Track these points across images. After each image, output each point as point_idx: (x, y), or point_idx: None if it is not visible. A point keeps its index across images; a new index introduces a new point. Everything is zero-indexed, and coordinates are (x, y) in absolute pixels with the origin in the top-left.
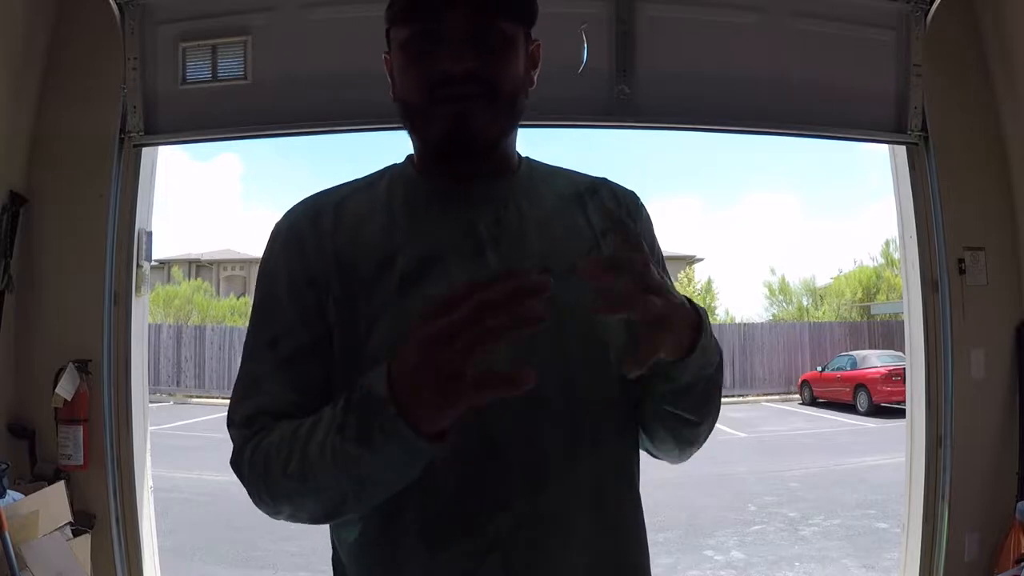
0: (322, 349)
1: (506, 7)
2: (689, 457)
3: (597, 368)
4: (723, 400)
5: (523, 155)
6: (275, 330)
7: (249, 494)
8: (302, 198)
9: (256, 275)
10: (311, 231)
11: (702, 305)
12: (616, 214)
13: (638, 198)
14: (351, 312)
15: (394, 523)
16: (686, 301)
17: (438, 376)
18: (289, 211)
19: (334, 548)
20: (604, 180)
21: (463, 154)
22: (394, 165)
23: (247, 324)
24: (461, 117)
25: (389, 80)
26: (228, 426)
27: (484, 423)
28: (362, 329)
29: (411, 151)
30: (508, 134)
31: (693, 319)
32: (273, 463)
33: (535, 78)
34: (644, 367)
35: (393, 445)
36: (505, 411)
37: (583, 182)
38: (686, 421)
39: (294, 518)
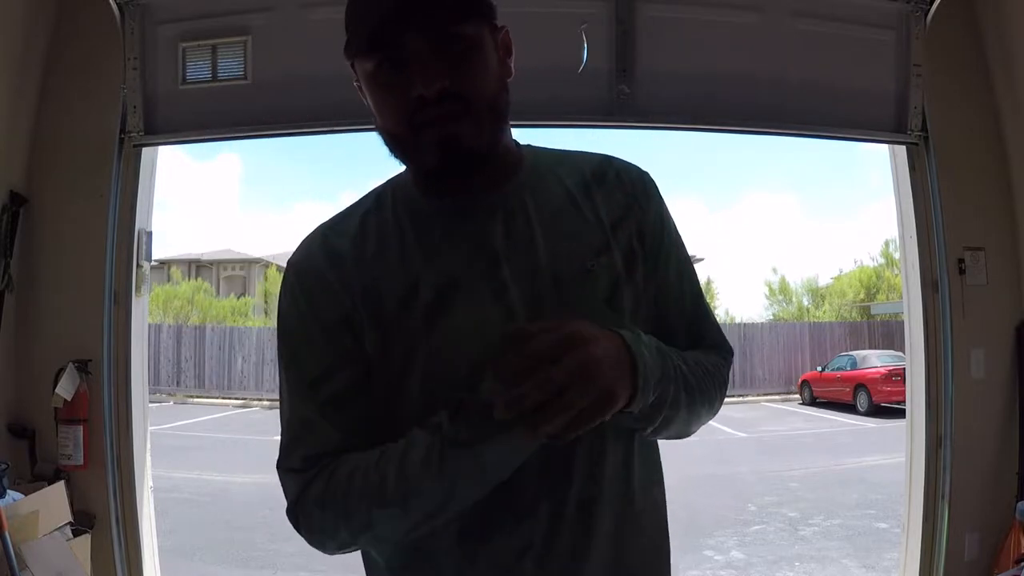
0: (364, 386)
1: (458, 12)
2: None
3: None
4: (724, 400)
5: (524, 144)
6: (316, 372)
7: (311, 538)
8: (310, 232)
9: (276, 315)
10: (333, 270)
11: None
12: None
13: (646, 179)
14: (384, 348)
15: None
16: (619, 349)
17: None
18: (302, 248)
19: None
20: (610, 161)
21: (460, 173)
22: (396, 180)
23: (278, 366)
24: (449, 139)
25: (370, 108)
26: (282, 471)
27: None
28: (397, 367)
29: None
30: (499, 138)
31: (623, 370)
32: (356, 492)
33: (512, 66)
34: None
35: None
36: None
37: (589, 166)
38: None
39: (370, 544)
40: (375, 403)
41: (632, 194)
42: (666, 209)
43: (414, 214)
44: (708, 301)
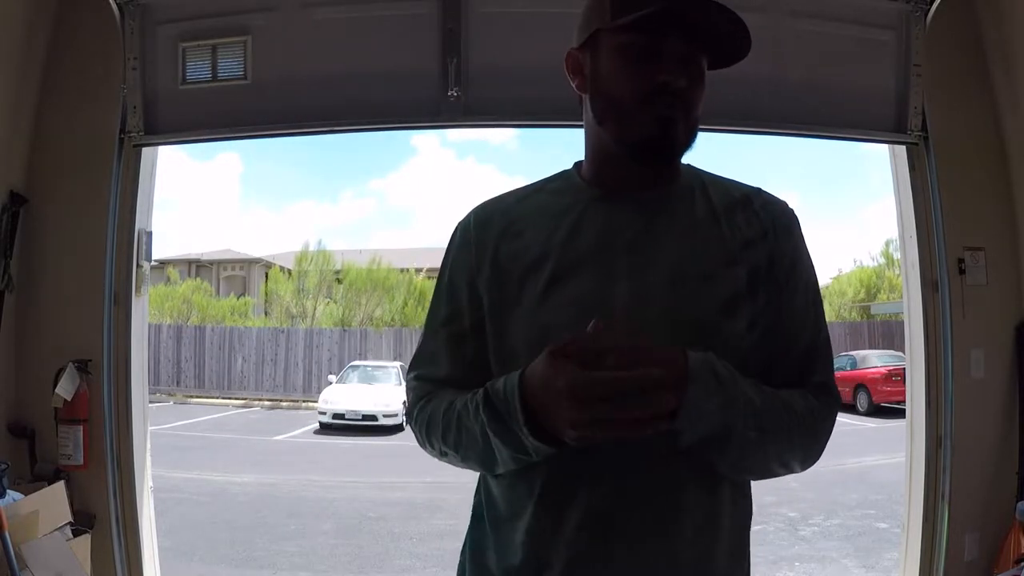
0: (480, 332)
1: (711, 45)
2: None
3: None
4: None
5: (687, 163)
6: (447, 312)
7: (417, 439)
8: (483, 200)
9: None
10: (479, 234)
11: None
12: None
13: (789, 213)
14: (501, 305)
15: (518, 486)
16: (683, 362)
17: (553, 407)
18: (469, 212)
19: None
20: (760, 191)
21: (662, 154)
22: (565, 172)
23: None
24: (669, 124)
25: (573, 76)
26: (408, 375)
27: None
28: (510, 319)
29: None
30: (690, 149)
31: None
32: (435, 429)
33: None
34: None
35: (511, 439)
36: None
37: (740, 191)
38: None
39: (453, 464)
40: (484, 350)
41: (772, 223)
42: (804, 247)
43: (571, 200)
44: (829, 349)
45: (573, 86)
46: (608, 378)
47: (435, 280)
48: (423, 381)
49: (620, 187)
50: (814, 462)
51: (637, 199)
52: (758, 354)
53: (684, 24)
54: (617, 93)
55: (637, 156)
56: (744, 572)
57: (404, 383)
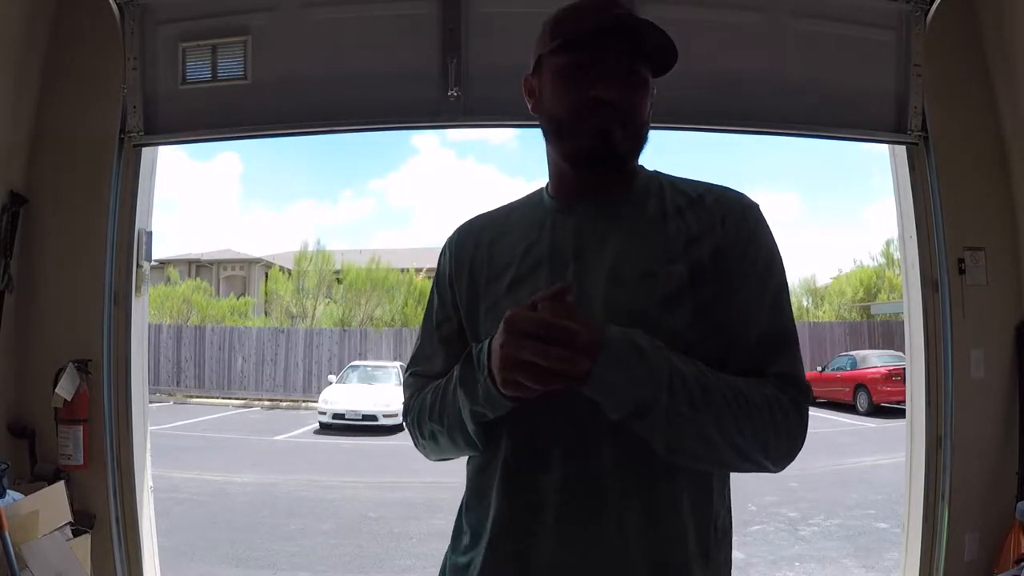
0: (464, 334)
1: (644, 56)
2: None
3: None
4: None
5: (650, 169)
6: (439, 317)
7: (411, 436)
8: (469, 217)
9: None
10: (459, 248)
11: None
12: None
13: (745, 204)
14: (473, 305)
15: (487, 469)
16: (598, 337)
17: (503, 363)
18: (455, 230)
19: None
20: (720, 189)
21: (603, 163)
22: (538, 191)
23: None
24: (605, 134)
25: (528, 99)
26: (405, 373)
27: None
28: (478, 317)
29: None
30: (637, 155)
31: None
32: (425, 411)
33: (650, 113)
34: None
35: (472, 391)
36: (566, 401)
37: (695, 192)
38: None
39: (436, 454)
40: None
41: (722, 217)
42: (763, 238)
43: (536, 214)
44: (794, 340)
45: (529, 108)
46: (535, 316)
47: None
48: (419, 377)
49: (576, 198)
50: (788, 458)
51: (593, 207)
52: (709, 345)
53: (612, 42)
54: (557, 111)
55: (581, 167)
56: (715, 573)
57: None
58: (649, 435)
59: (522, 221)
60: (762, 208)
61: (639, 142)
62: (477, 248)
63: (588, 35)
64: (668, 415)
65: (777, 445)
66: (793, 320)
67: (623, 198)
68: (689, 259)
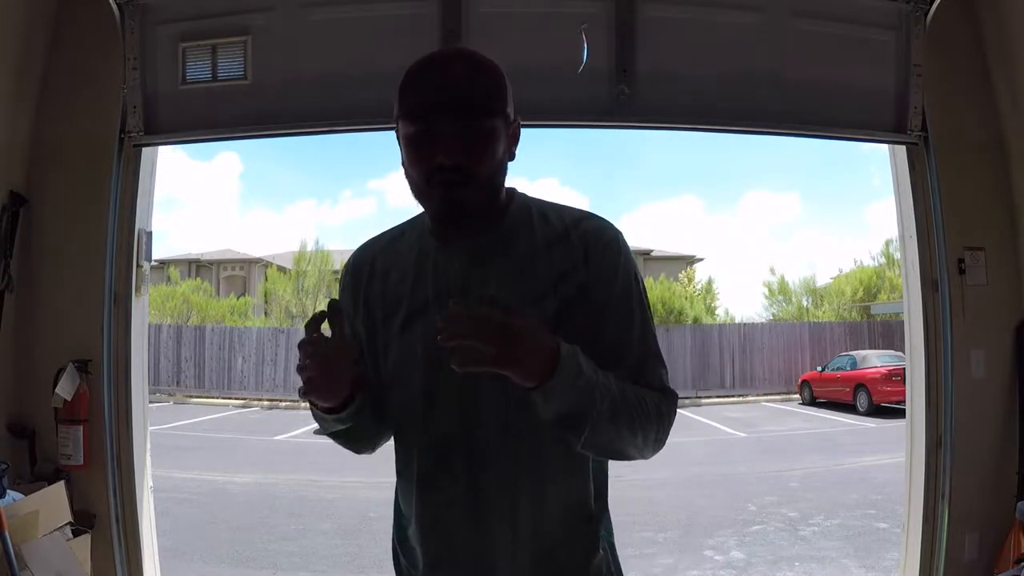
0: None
1: (481, 110)
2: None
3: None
4: (723, 399)
5: (521, 194)
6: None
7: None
8: (359, 244)
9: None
10: (353, 279)
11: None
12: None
13: (609, 237)
14: (373, 342)
15: (404, 473)
16: (547, 348)
17: (305, 381)
18: (349, 258)
19: None
20: (586, 218)
21: (459, 225)
22: (420, 217)
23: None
24: (454, 200)
25: (402, 157)
26: None
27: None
28: (377, 353)
29: None
30: (492, 204)
31: (548, 363)
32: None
33: (515, 151)
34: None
35: (319, 413)
36: (457, 411)
37: (561, 225)
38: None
39: (345, 444)
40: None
41: (587, 251)
42: (624, 266)
43: (421, 250)
44: (659, 354)
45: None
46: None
47: None
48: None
49: (451, 240)
50: (660, 449)
51: (469, 248)
52: None
53: (445, 111)
54: (411, 174)
55: (441, 227)
56: (596, 567)
57: None
58: (572, 435)
59: (408, 253)
60: (622, 236)
61: (492, 192)
62: (372, 277)
63: (424, 110)
64: (594, 421)
65: (657, 440)
66: (656, 337)
67: (497, 237)
68: (558, 296)
